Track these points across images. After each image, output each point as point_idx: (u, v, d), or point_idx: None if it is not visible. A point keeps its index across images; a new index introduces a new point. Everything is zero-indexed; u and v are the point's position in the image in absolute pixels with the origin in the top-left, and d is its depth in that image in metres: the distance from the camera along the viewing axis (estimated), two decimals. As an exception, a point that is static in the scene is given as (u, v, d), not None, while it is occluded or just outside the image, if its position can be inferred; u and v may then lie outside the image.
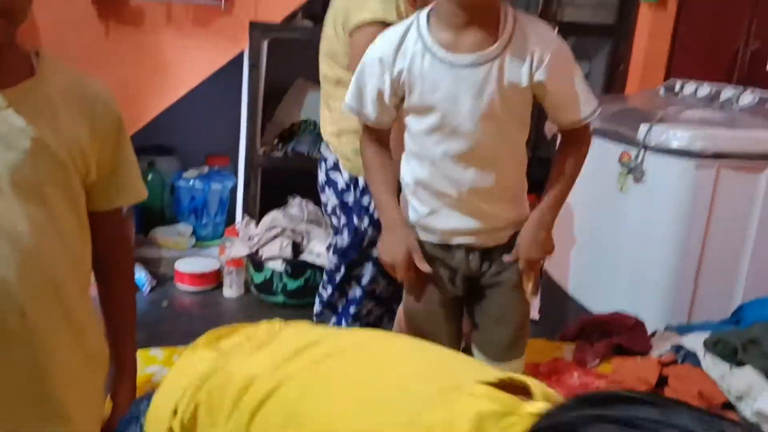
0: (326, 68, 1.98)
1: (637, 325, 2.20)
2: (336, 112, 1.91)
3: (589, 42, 3.60)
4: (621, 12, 3.45)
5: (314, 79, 3.62)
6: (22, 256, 1.02)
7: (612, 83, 3.55)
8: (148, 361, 1.42)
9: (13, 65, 1.02)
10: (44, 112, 1.03)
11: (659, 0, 3.38)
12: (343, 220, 1.99)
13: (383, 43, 1.39)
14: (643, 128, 2.24)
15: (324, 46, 1.98)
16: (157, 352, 1.46)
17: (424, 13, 1.38)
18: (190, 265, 3.15)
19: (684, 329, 2.21)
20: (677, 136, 2.18)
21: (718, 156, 2.18)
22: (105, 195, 1.14)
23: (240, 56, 3.12)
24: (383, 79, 1.37)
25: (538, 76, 1.34)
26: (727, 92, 2.60)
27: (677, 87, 2.77)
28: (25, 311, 1.02)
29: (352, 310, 2.03)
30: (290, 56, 3.54)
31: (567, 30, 3.39)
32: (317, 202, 3.39)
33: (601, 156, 2.27)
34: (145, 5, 2.96)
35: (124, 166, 1.16)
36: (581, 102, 1.39)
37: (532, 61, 1.33)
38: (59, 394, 1.08)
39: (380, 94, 1.39)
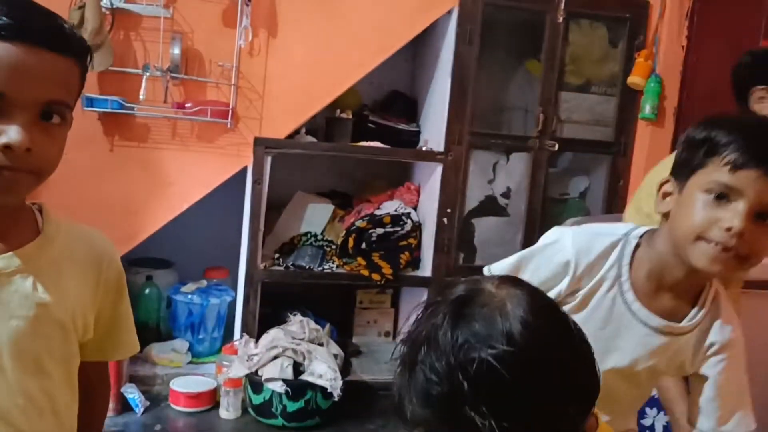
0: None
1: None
2: None
3: (590, 157, 3.64)
4: (619, 129, 3.51)
5: (314, 191, 3.68)
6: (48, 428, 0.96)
7: (613, 198, 3.57)
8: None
9: (22, 223, 0.98)
10: (50, 274, 0.98)
11: (657, 117, 3.45)
12: None
13: (582, 248, 1.20)
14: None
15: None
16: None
17: (634, 238, 1.21)
18: (185, 384, 3.03)
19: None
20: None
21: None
22: (99, 350, 1.09)
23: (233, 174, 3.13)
24: (561, 281, 1.20)
25: (705, 370, 1.21)
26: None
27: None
28: None
29: None
30: (291, 170, 3.57)
31: (566, 146, 3.46)
32: (318, 318, 3.36)
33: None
34: (150, 122, 2.98)
35: (121, 322, 1.11)
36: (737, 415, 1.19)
37: (707, 350, 1.20)
38: None
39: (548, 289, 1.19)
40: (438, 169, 3.31)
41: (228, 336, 3.39)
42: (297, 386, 2.79)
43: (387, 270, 3.32)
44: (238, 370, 2.90)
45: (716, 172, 1.07)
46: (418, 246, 3.48)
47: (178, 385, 3.02)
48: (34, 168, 0.88)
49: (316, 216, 3.58)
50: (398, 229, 3.42)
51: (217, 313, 3.37)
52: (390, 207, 3.50)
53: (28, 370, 0.96)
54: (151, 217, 3.05)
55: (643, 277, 1.19)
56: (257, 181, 3.09)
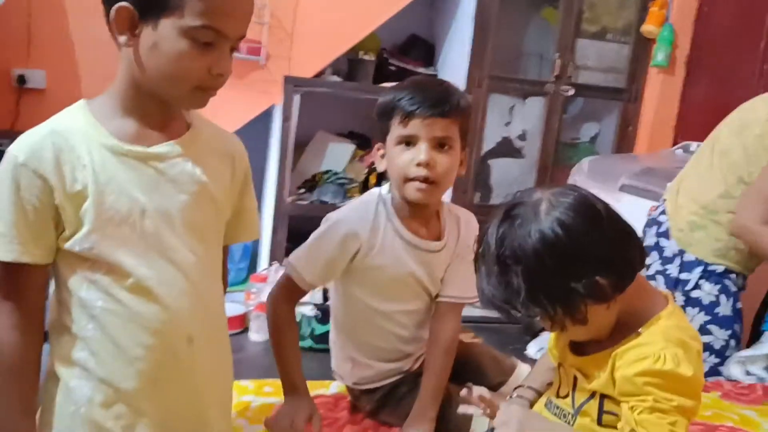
0: (736, 163, 1.97)
1: None
2: (713, 194, 1.97)
3: (601, 103, 3.79)
4: (631, 76, 3.64)
5: (334, 132, 3.80)
6: (191, 288, 1.12)
7: (621, 144, 3.72)
8: (242, 392, 1.50)
9: (178, 118, 1.14)
10: (203, 159, 1.14)
11: (668, 64, 3.58)
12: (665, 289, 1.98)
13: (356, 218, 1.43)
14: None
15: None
16: (249, 383, 1.55)
17: (387, 194, 1.45)
18: (216, 309, 3.21)
19: None
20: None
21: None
22: (231, 233, 1.25)
23: (263, 111, 3.25)
24: (354, 248, 1.40)
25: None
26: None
27: (692, 147, 2.93)
28: (192, 338, 1.12)
29: None
30: (314, 109, 3.69)
31: (580, 91, 3.60)
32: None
33: (632, 212, 2.40)
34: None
35: (248, 210, 1.27)
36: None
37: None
38: (209, 416, 1.18)
39: (337, 264, 1.42)
40: (457, 111, 3.44)
41: (253, 268, 3.55)
42: (326, 310, 2.97)
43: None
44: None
45: (396, 130, 1.37)
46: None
47: (210, 310, 3.20)
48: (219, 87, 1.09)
49: (337, 155, 3.72)
50: (417, 168, 3.56)
51: (243, 245, 3.53)
52: (409, 148, 3.63)
53: (195, 237, 1.13)
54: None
55: (405, 216, 1.44)
56: (286, 118, 3.22)
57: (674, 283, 2.00)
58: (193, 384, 1.15)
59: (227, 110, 3.19)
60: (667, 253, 2.03)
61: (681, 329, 1.06)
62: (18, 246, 1.05)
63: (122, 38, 1.04)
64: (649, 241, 2.08)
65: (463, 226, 1.50)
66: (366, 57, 3.51)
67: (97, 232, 1.06)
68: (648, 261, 2.08)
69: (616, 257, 1.03)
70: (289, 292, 1.44)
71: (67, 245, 1.07)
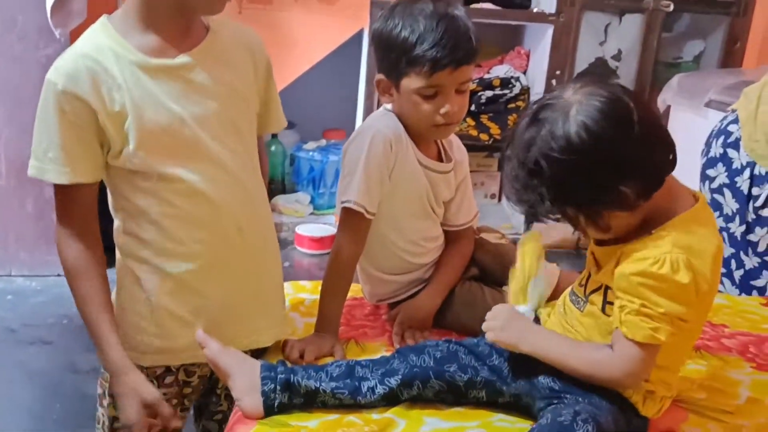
0: None
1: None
2: None
3: (705, 19, 3.57)
4: (739, -12, 3.41)
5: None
6: (234, 183, 1.23)
7: (728, 60, 3.51)
8: (299, 290, 1.61)
9: (196, 25, 1.22)
10: (225, 59, 1.23)
11: (781, -25, 3.32)
12: (733, 204, 1.95)
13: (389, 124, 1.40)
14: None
15: None
16: (306, 283, 1.65)
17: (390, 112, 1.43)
18: (309, 230, 3.38)
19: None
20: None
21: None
22: (261, 124, 1.34)
23: (354, 35, 3.29)
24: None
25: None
26: None
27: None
28: (242, 228, 1.25)
29: None
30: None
31: (681, 6, 3.40)
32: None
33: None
34: (274, -16, 3.17)
35: (272, 102, 1.36)
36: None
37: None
38: (266, 299, 1.33)
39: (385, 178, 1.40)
40: (549, 31, 3.36)
41: (345, 191, 3.67)
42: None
43: (495, 130, 3.46)
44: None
45: (419, 79, 1.31)
46: (526, 109, 3.57)
47: (303, 230, 3.40)
48: None
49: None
50: (507, 92, 3.52)
51: (336, 170, 3.65)
52: (499, 71, 3.59)
53: (231, 134, 1.24)
54: (277, 77, 3.27)
55: (414, 138, 1.41)
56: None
57: (746, 199, 1.91)
58: (247, 268, 1.28)
59: (316, 36, 3.26)
60: (736, 165, 1.94)
61: (694, 234, 1.04)
62: (69, 168, 1.15)
63: None
64: (715, 152, 1.99)
65: (455, 150, 1.50)
66: (456, -22, 3.46)
67: (142, 147, 1.16)
68: (713, 173, 2.00)
69: (643, 163, 1.02)
70: (354, 232, 1.37)
71: (117, 162, 1.18)
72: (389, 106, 1.42)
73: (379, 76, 1.39)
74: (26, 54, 2.76)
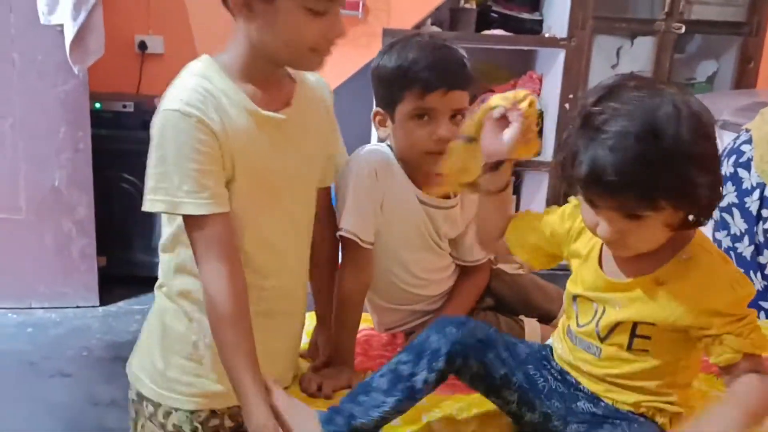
0: None
1: None
2: None
3: (717, 40, 3.58)
4: (752, 6, 3.41)
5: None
6: (297, 237, 1.28)
7: (742, 81, 3.51)
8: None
9: (286, 77, 1.24)
10: (311, 114, 1.26)
11: (793, -6, 3.33)
12: (741, 224, 1.94)
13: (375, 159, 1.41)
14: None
15: None
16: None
17: (387, 146, 1.43)
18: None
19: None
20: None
21: None
22: (326, 173, 1.34)
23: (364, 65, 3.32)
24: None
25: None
26: None
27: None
28: (301, 288, 1.32)
29: None
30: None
31: (693, 28, 3.41)
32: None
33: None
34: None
35: (339, 148, 1.38)
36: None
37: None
38: (295, 353, 1.38)
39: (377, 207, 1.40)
40: (561, 56, 3.38)
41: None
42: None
43: (510, 155, 3.46)
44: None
45: (412, 102, 1.34)
46: (540, 133, 3.58)
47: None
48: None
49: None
50: (521, 116, 3.53)
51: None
52: (513, 95, 3.60)
53: (305, 188, 1.28)
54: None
55: (410, 173, 1.42)
56: (386, 71, 3.27)
57: (755, 220, 1.89)
58: (294, 324, 1.35)
59: (328, 66, 3.28)
60: (746, 185, 1.92)
61: (714, 251, 1.07)
62: (208, 199, 1.11)
63: (240, 16, 1.11)
64: (725, 171, 1.97)
65: None
66: (467, 5, 3.49)
67: (238, 189, 1.16)
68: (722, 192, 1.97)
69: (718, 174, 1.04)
70: (354, 263, 1.37)
71: None
72: (385, 141, 1.44)
73: (376, 110, 1.43)
74: (45, 90, 2.81)
